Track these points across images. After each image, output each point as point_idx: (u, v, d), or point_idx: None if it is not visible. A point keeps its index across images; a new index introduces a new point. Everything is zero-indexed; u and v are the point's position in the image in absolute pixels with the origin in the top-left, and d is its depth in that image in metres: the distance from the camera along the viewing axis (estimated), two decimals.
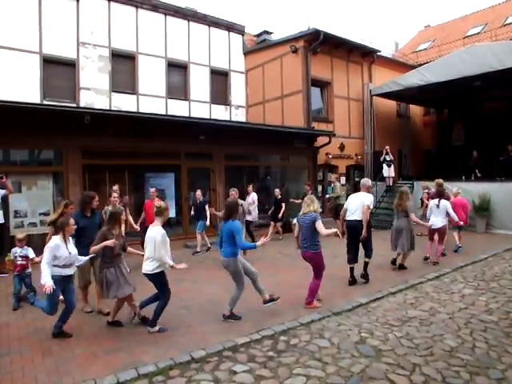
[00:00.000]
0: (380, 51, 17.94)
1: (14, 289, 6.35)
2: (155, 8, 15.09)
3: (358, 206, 7.34)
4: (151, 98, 14.87)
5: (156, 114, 11.86)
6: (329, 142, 14.81)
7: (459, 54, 13.82)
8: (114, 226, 5.37)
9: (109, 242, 5.11)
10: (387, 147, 15.29)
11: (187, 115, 15.00)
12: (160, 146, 11.27)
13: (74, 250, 5.08)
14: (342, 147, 16.40)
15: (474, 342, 4.74)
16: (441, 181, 9.53)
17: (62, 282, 4.89)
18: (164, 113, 14.57)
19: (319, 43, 14.90)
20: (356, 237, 7.31)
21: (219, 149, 12.59)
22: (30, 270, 6.52)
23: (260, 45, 18.33)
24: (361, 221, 7.21)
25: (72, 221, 5.15)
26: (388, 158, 15.25)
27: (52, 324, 5.16)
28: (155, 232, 5.16)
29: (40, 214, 9.61)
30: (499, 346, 4.61)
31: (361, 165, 17.27)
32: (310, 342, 4.86)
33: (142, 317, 5.47)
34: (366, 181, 7.86)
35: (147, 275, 5.20)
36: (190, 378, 4.07)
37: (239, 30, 17.69)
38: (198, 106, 16.05)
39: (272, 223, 12.05)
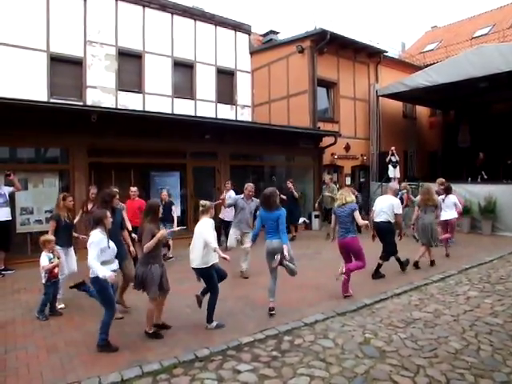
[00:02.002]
0: (387, 52, 17.87)
1: (48, 299, 5.65)
2: (163, 7, 15.11)
3: (384, 208, 7.79)
4: (157, 96, 14.89)
5: (162, 113, 11.88)
6: (334, 143, 14.77)
7: (466, 55, 13.74)
8: (155, 218, 5.19)
9: (163, 232, 5.05)
10: (393, 148, 15.23)
11: (193, 114, 15.02)
12: (165, 145, 11.28)
13: (112, 243, 4.91)
14: (347, 147, 16.36)
15: (479, 345, 4.72)
16: (442, 180, 10.16)
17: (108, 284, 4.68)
18: (170, 112, 14.59)
19: (326, 43, 14.84)
20: (382, 237, 7.81)
21: (225, 148, 12.59)
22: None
23: (266, 44, 18.30)
24: (386, 222, 7.72)
25: (109, 213, 5.03)
26: (394, 159, 15.17)
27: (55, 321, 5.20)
28: (204, 223, 5.29)
29: (46, 212, 9.65)
30: (504, 349, 4.58)
31: (366, 165, 17.21)
32: (314, 342, 4.86)
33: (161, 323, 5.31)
34: (394, 184, 8.60)
35: (197, 269, 5.23)
36: (194, 376, 4.08)
37: (246, 30, 17.67)
38: (204, 106, 16.05)
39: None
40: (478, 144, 17.39)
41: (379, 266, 7.73)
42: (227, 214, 9.96)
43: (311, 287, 6.68)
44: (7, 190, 8.40)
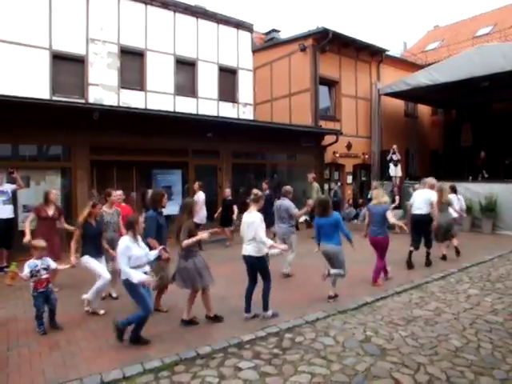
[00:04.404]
0: (388, 50, 17.88)
1: (38, 310, 5.08)
2: (165, 5, 15.10)
3: (423, 202, 8.37)
4: (159, 94, 14.89)
5: (164, 111, 11.89)
6: (336, 141, 14.79)
7: (468, 55, 13.73)
8: (191, 215, 5.26)
9: (204, 236, 5.22)
10: (394, 146, 15.22)
11: (195, 112, 15.03)
12: (168, 143, 11.31)
13: (144, 249, 4.90)
14: (349, 146, 16.37)
15: (479, 343, 4.74)
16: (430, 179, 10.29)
17: (138, 284, 4.63)
18: (172, 110, 14.60)
19: (328, 42, 14.89)
20: (421, 228, 8.40)
21: (226, 146, 12.61)
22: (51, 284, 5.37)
23: (268, 43, 18.33)
24: (427, 214, 8.31)
25: (142, 218, 5.02)
26: (395, 158, 15.16)
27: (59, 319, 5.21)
28: (254, 216, 5.46)
29: None
30: (504, 347, 4.61)
31: (368, 164, 17.22)
32: (315, 339, 4.88)
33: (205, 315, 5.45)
34: (431, 179, 9.00)
35: (251, 258, 5.44)
36: (195, 373, 4.10)
37: (248, 28, 17.63)
38: (206, 104, 16.05)
39: (218, 229, 9.30)
40: (479, 143, 17.38)
41: (428, 254, 8.51)
42: (198, 217, 9.27)
43: (312, 285, 6.70)
44: (10, 187, 8.39)
